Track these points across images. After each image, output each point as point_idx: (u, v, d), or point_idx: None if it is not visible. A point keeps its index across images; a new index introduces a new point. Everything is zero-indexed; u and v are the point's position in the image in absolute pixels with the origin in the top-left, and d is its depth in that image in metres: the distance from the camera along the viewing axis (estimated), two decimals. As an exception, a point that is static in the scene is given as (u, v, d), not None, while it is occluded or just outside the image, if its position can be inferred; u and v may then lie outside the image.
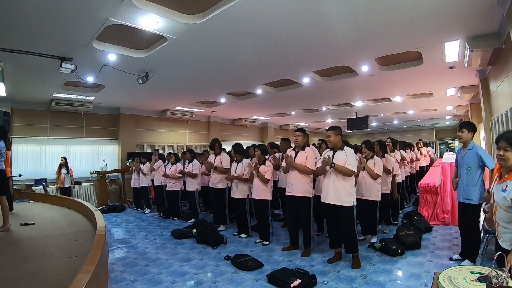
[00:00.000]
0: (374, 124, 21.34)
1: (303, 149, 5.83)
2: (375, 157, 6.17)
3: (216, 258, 5.71)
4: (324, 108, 14.92)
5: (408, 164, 9.52)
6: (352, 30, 5.84)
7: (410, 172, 9.96)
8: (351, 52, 7.13)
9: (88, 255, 3.44)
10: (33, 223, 6.58)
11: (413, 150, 11.39)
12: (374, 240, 6.11)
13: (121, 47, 6.70)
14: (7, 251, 5.02)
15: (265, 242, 6.47)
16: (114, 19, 5.10)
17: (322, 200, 5.17)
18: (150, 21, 5.25)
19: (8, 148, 6.91)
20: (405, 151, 9.45)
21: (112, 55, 6.79)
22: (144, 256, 5.93)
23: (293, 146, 6.18)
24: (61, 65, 6.80)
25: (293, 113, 16.36)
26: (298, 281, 4.22)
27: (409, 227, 6.27)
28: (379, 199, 6.08)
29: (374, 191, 6.03)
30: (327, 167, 5.06)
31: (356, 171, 5.07)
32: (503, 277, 1.99)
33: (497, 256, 2.22)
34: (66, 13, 4.94)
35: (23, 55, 6.51)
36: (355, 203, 5.04)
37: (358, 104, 13.63)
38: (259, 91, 10.78)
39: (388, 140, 7.90)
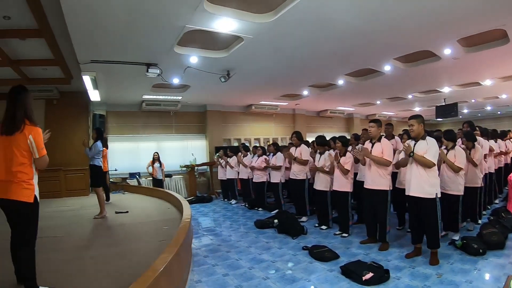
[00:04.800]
0: (465, 111, 19.90)
1: (379, 140, 5.65)
2: (456, 148, 5.74)
3: (294, 248, 5.80)
4: (410, 96, 14.32)
5: (496, 156, 8.51)
6: (427, 12, 5.56)
7: (498, 165, 8.82)
8: (430, 36, 6.79)
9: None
10: (127, 211, 7.40)
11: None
12: (456, 237, 5.70)
13: (201, 49, 7.15)
14: (103, 235, 5.80)
15: (344, 234, 6.40)
16: (191, 26, 5.53)
17: (406, 193, 5.00)
18: (225, 24, 5.57)
19: (105, 146, 7.77)
20: (495, 141, 8.59)
21: (193, 58, 7.29)
22: (227, 243, 6.23)
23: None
24: (147, 70, 7.57)
25: (378, 102, 15.87)
26: (370, 275, 4.16)
27: (494, 225, 5.77)
28: (461, 193, 5.65)
29: (456, 185, 5.62)
30: (409, 158, 4.93)
31: (435, 162, 4.82)
32: None
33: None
34: (147, 25, 5.53)
35: (113, 64, 7.36)
36: (439, 195, 4.82)
37: (446, 90, 12.86)
38: (341, 82, 10.69)
39: (464, 126, 7.22)
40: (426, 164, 4.72)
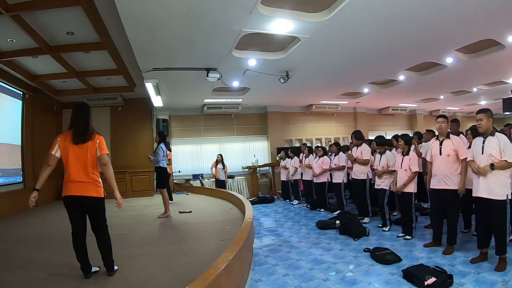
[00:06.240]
0: (534, 103, 18.68)
1: (448, 137, 5.38)
2: None
3: (356, 249, 5.70)
4: (475, 89, 13.49)
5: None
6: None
7: None
8: (490, 23, 6.36)
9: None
10: (190, 211, 7.67)
11: None
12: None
13: (259, 51, 7.28)
14: (166, 233, 6.09)
15: (407, 237, 6.15)
16: (247, 29, 5.68)
17: (473, 194, 4.70)
18: (280, 25, 5.65)
19: (168, 149, 8.08)
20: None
21: (252, 60, 7.45)
22: (288, 244, 6.23)
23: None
24: (207, 75, 7.83)
25: (442, 97, 15.12)
26: (433, 280, 4.02)
27: None
28: None
29: None
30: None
31: None
32: None
33: None
34: (205, 31, 5.76)
35: (174, 71, 7.70)
36: (510, 197, 4.46)
37: (513, 80, 12.20)
38: (401, 77, 10.40)
39: None
40: (509, 168, 4.41)
